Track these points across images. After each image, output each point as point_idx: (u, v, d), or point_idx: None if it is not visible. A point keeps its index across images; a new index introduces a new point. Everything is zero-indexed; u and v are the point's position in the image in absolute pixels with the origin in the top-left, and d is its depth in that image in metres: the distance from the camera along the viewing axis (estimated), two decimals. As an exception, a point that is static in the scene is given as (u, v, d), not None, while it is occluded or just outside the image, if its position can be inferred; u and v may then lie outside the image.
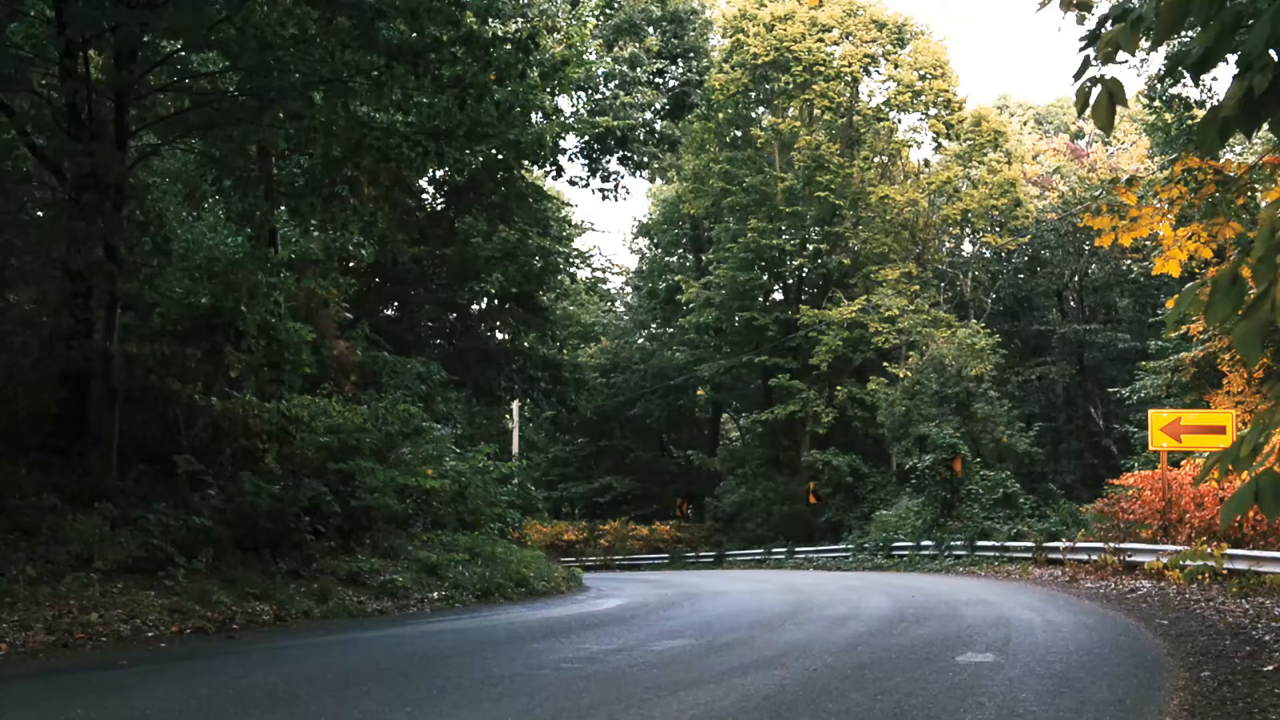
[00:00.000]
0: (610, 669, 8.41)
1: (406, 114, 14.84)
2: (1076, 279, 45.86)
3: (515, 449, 42.22)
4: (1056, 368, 43.92)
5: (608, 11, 33.60)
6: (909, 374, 37.52)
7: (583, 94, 32.97)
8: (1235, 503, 2.92)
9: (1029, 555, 23.14)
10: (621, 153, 34.36)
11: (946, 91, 42.90)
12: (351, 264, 25.92)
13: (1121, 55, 3.93)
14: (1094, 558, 19.84)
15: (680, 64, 36.78)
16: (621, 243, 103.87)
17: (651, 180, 48.28)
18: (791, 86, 42.86)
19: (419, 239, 28.94)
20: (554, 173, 31.58)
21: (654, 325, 54.27)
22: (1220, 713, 6.67)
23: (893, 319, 39.40)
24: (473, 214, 29.77)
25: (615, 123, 31.89)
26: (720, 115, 44.15)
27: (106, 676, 8.04)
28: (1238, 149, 28.00)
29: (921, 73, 43.00)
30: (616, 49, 33.78)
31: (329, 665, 8.77)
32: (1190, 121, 25.21)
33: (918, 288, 41.92)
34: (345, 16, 12.88)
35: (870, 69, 43.58)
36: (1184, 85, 24.01)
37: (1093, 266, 45.32)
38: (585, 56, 27.56)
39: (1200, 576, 15.87)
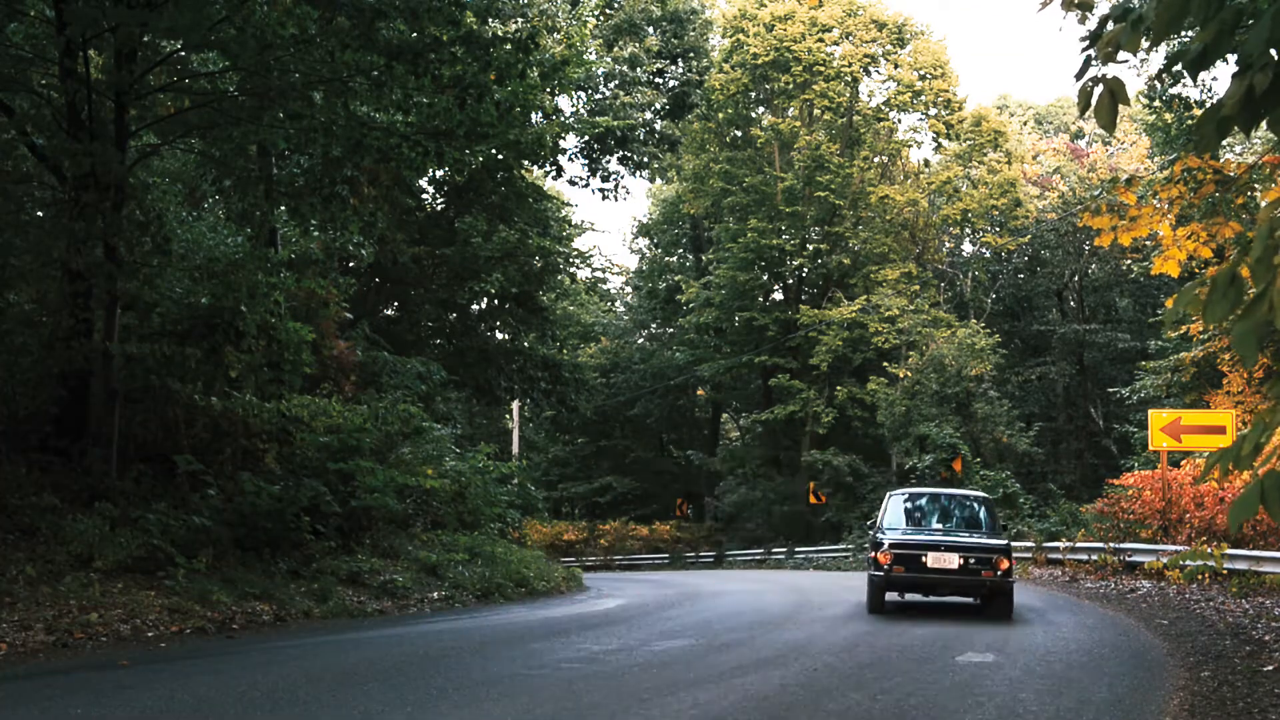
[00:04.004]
0: (610, 669, 8.41)
1: (406, 114, 14.81)
2: (1076, 279, 45.84)
3: (515, 449, 42.23)
4: (1056, 368, 43.90)
5: (608, 11, 33.61)
6: (909, 374, 37.50)
7: (583, 94, 32.99)
8: (1242, 506, 2.91)
9: (1029, 555, 23.14)
10: (621, 153, 34.40)
11: (946, 91, 42.89)
12: (351, 264, 25.93)
13: (1123, 55, 3.94)
14: (1094, 558, 19.86)
15: (680, 64, 36.81)
16: (621, 243, 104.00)
17: (651, 180, 48.28)
18: (791, 86, 42.85)
19: (419, 239, 28.94)
20: (554, 173, 31.61)
21: (654, 325, 54.25)
22: (1220, 713, 6.67)
23: (893, 319, 39.37)
24: (473, 214, 29.78)
25: (615, 123, 31.90)
26: (720, 115, 44.13)
27: (106, 676, 8.03)
28: (1238, 149, 27.99)
29: (921, 73, 42.98)
30: (616, 49, 33.78)
31: (329, 665, 8.76)
32: (1190, 121, 25.18)
33: (918, 288, 41.91)
34: (345, 16, 12.86)
35: (870, 69, 43.56)
36: (1184, 85, 23.99)
37: (1093, 266, 45.30)
38: (585, 56, 27.56)
39: (1200, 576, 15.88)
